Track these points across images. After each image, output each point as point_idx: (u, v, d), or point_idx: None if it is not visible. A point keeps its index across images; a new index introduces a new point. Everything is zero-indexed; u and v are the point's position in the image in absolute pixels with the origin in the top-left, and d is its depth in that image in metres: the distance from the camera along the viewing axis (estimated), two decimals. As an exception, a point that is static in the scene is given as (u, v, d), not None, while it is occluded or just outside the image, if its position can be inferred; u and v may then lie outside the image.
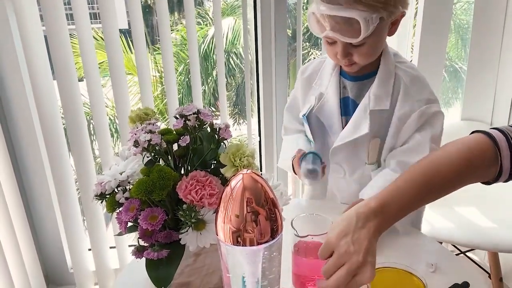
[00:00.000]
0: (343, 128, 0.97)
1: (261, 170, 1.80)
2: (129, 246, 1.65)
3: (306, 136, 1.08)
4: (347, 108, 0.98)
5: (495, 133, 0.64)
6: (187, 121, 0.63)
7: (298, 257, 0.71)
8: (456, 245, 1.52)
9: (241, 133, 7.43)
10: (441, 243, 1.34)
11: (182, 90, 7.34)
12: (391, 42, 1.69)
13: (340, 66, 0.98)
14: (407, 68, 0.94)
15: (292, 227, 0.69)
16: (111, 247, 1.69)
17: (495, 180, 0.67)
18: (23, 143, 1.49)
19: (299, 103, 1.07)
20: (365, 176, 1.00)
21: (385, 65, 0.93)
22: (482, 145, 0.64)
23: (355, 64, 0.90)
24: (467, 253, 1.60)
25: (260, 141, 1.76)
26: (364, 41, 0.83)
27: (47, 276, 1.66)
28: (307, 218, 0.73)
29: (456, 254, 1.56)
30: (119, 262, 1.67)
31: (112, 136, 5.73)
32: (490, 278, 1.40)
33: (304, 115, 1.00)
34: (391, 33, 0.89)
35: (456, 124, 1.67)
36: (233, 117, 8.21)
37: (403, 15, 0.86)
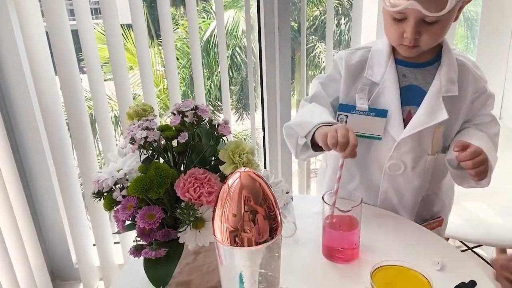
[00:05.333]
0: (403, 119, 0.93)
1: (265, 165, 1.78)
2: (134, 241, 1.65)
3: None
4: (411, 97, 0.94)
5: None
6: (184, 118, 0.62)
7: (328, 230, 0.80)
8: (463, 241, 1.49)
9: (246, 127, 7.43)
10: (448, 239, 1.33)
11: (187, 83, 7.35)
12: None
13: (394, 54, 0.94)
14: (463, 54, 0.96)
15: (324, 201, 0.79)
16: (115, 243, 1.69)
17: None
18: (26, 139, 1.49)
19: (338, 87, 0.99)
20: (426, 169, 0.96)
21: (448, 52, 0.92)
22: None
23: (417, 48, 0.87)
24: (475, 249, 1.58)
25: (264, 136, 1.75)
26: (441, 18, 0.81)
27: (52, 272, 1.67)
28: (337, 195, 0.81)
29: (464, 250, 1.54)
30: (124, 257, 1.67)
31: (116, 130, 5.76)
32: (498, 274, 1.38)
33: (364, 111, 0.94)
34: (456, 18, 0.88)
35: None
36: (238, 112, 8.21)
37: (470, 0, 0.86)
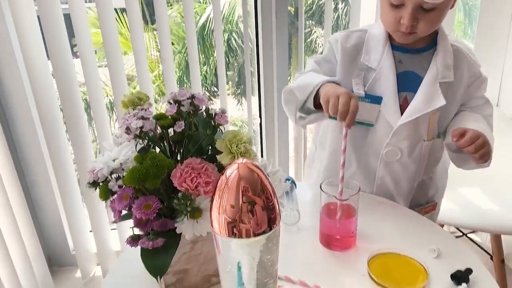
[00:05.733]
0: (400, 105, 0.93)
1: (261, 152, 1.78)
2: (130, 228, 1.65)
3: None
4: (407, 83, 0.93)
5: None
6: (181, 107, 0.60)
7: (325, 218, 0.80)
8: (458, 227, 1.51)
9: (244, 113, 7.41)
10: (442, 225, 1.34)
11: (182, 68, 7.28)
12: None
13: (390, 40, 0.93)
14: (457, 39, 0.96)
15: (322, 190, 0.78)
16: (112, 229, 1.69)
17: None
18: (20, 125, 1.47)
19: (333, 68, 0.99)
20: (422, 155, 0.97)
21: (443, 38, 0.92)
22: None
23: (414, 34, 0.87)
24: (469, 235, 1.59)
25: (260, 123, 1.74)
26: (439, 5, 0.82)
27: (49, 258, 1.68)
28: (334, 183, 0.80)
29: (458, 236, 1.56)
30: (121, 243, 1.67)
31: (110, 117, 5.73)
32: (492, 260, 1.40)
33: (363, 96, 0.93)
34: (452, 5, 0.88)
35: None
36: (236, 98, 8.17)
37: None
